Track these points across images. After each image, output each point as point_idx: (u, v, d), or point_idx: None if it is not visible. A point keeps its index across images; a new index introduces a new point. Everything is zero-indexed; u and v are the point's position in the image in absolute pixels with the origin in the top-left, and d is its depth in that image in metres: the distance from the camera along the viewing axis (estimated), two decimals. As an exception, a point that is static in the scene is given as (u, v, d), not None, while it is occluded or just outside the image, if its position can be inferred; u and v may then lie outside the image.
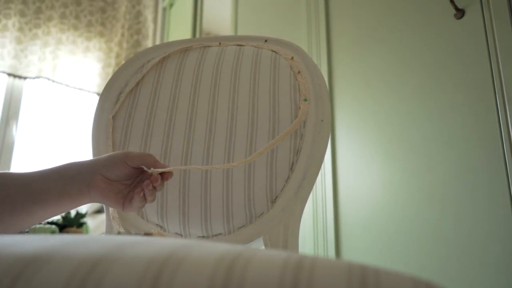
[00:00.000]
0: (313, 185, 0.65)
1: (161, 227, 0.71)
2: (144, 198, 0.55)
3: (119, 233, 0.67)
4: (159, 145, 0.71)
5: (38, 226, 1.69)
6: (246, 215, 0.65)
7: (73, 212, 2.01)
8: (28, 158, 2.44)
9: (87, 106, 2.70)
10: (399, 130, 1.18)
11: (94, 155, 0.73)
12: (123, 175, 0.55)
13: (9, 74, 2.50)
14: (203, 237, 0.69)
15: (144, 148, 0.71)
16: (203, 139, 0.70)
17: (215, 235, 0.68)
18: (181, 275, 0.21)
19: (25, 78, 2.54)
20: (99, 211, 2.31)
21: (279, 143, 0.66)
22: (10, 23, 2.53)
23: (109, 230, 0.69)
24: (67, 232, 1.87)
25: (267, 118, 0.69)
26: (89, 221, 2.11)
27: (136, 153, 0.55)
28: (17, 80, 2.53)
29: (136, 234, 0.50)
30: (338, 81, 1.42)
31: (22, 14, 2.59)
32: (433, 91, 1.11)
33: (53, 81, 2.58)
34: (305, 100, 0.68)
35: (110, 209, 0.70)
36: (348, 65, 1.40)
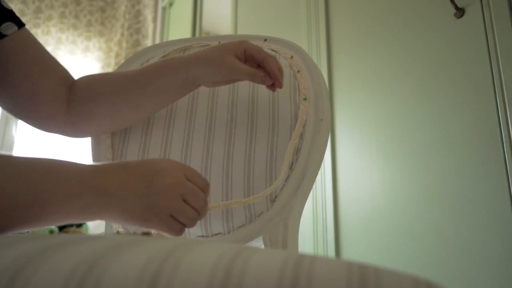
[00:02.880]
0: (312, 184, 0.65)
1: (160, 226, 0.71)
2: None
3: (118, 232, 0.67)
4: (158, 142, 0.71)
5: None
6: (245, 214, 0.65)
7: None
8: (28, 157, 2.44)
9: (87, 105, 2.69)
10: (399, 129, 1.18)
11: (92, 153, 0.73)
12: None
13: (9, 74, 2.50)
14: (203, 236, 0.69)
15: (144, 145, 0.71)
16: (202, 138, 0.70)
17: (215, 235, 0.68)
18: (180, 275, 0.21)
19: (24, 77, 2.54)
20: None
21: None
22: (9, 22, 2.53)
23: (108, 229, 0.69)
24: (67, 232, 1.87)
25: (267, 117, 0.69)
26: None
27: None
28: (16, 80, 2.53)
29: (135, 233, 0.50)
30: (338, 80, 1.42)
31: (22, 13, 2.58)
32: (433, 91, 1.11)
33: (52, 80, 2.58)
34: (305, 99, 0.68)
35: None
36: (348, 64, 1.40)
